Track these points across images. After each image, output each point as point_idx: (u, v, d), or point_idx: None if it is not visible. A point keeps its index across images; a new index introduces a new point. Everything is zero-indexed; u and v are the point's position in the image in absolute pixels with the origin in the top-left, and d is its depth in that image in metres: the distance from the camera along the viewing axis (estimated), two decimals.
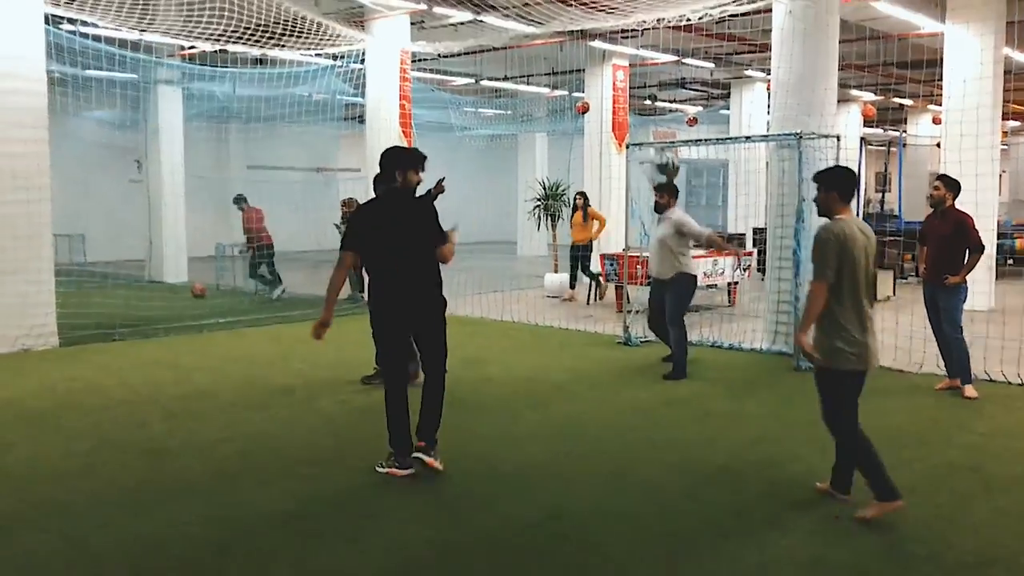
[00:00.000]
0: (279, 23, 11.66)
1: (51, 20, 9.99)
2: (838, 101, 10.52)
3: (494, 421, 6.83)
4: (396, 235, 5.28)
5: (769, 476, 5.46)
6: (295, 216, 19.37)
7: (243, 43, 12.11)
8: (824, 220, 4.91)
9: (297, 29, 11.68)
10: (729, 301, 13.60)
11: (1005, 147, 27.77)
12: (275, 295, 14.38)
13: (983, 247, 7.52)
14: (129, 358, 9.25)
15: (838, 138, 9.30)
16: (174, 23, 11.27)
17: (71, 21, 11.30)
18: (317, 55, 13.54)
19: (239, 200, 15.00)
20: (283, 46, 12.54)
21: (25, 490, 5.19)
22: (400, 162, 5.42)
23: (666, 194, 8.61)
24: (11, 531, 4.58)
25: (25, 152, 9.49)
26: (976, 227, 7.55)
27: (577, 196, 14.29)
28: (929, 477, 5.38)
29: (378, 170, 5.55)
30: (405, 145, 5.91)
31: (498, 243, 25.52)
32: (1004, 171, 27.57)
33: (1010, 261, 16.18)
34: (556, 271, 15.11)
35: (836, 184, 4.90)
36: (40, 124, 9.57)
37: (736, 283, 13.58)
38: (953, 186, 7.59)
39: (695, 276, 8.67)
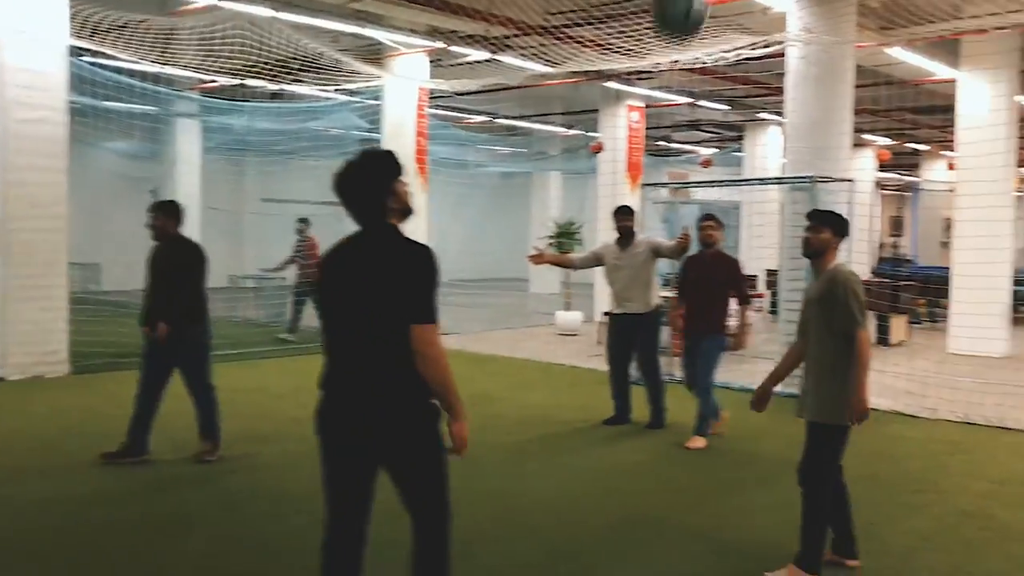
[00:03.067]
0: (296, 58, 11.82)
1: (74, 51, 10.15)
2: (853, 145, 10.56)
3: (502, 460, 6.79)
4: (351, 301, 3.24)
5: (781, 518, 5.39)
6: None
7: (261, 77, 12.26)
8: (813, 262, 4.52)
9: (314, 65, 11.83)
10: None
11: (1020, 194, 27.75)
12: (287, 336, 13.49)
13: (750, 298, 7.18)
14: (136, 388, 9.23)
15: (851, 182, 9.31)
16: (194, 57, 11.43)
17: (93, 53, 11.48)
18: (335, 91, 13.70)
19: (304, 222, 14.04)
20: (300, 81, 12.70)
21: (26, 517, 5.17)
22: (387, 175, 3.33)
23: (629, 218, 7.77)
24: (10, 560, 4.56)
25: (44, 181, 9.59)
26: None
27: None
28: (941, 524, 5.31)
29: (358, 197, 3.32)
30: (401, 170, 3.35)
31: (510, 280, 25.54)
32: (1020, 218, 27.50)
33: None
34: (568, 309, 15.10)
35: (837, 226, 4.49)
36: (60, 153, 9.69)
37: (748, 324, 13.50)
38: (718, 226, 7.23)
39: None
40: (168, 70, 12.72)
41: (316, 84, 12.78)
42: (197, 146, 17.14)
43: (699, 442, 7.16)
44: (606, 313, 11.44)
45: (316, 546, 3.36)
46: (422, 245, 3.25)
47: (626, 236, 7.77)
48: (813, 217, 4.58)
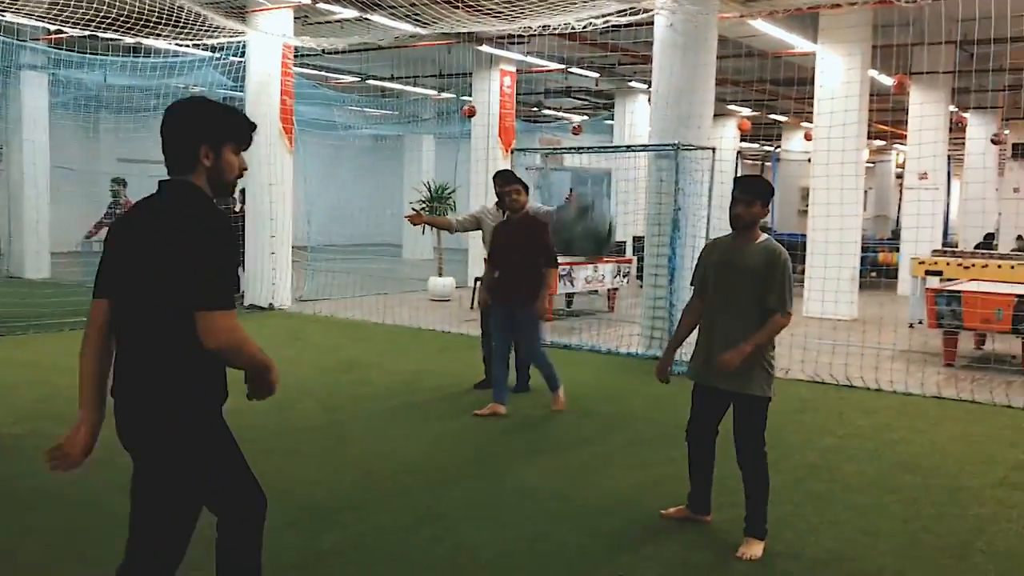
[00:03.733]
0: (154, 11, 11.22)
1: None
2: (716, 115, 10.85)
3: (370, 426, 6.73)
4: (132, 277, 2.70)
5: (639, 478, 5.55)
6: None
7: (115, 30, 11.58)
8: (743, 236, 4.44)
9: (174, 19, 11.25)
10: (609, 307, 13.82)
11: (871, 165, 29.26)
12: None
13: (555, 263, 6.97)
14: None
15: (714, 150, 9.58)
16: (38, 4, 10.69)
17: None
18: (195, 46, 13.10)
19: (119, 183, 13.21)
20: (159, 35, 12.07)
21: None
22: (207, 129, 2.77)
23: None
24: None
25: None
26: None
27: None
28: (790, 478, 5.57)
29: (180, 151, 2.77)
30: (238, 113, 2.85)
31: (382, 245, 25.25)
32: (870, 188, 29.04)
33: (873, 273, 17.02)
34: (441, 274, 15.06)
35: (760, 194, 4.40)
36: None
37: (616, 289, 13.82)
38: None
39: None
40: (11, 18, 11.85)
41: (176, 38, 12.18)
42: (45, 101, 16.08)
43: (561, 402, 7.14)
44: (478, 278, 11.49)
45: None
46: (210, 214, 2.67)
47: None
48: (744, 190, 4.41)
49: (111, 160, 20.81)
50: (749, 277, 4.37)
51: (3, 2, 10.38)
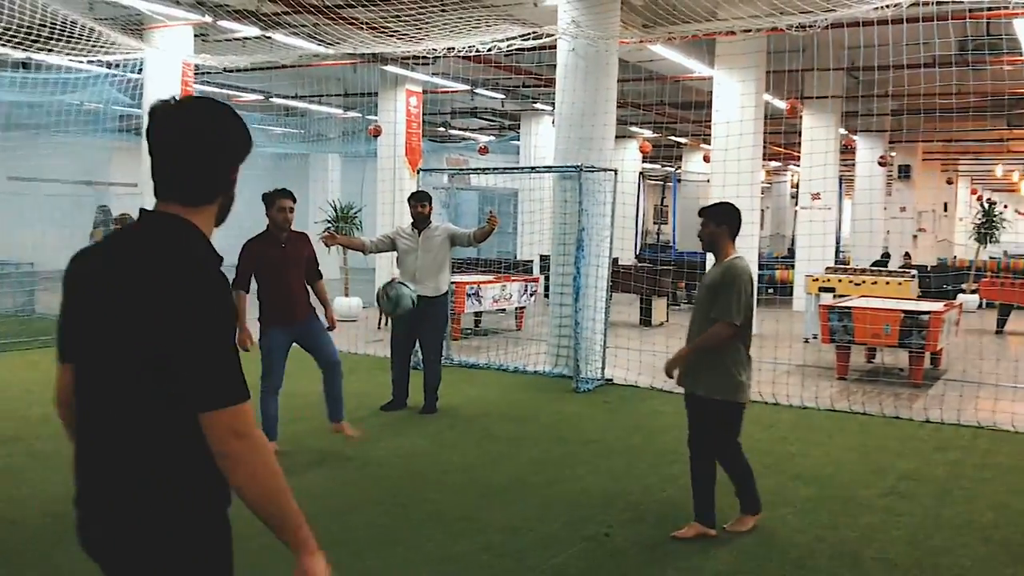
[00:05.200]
0: (46, 26, 10.84)
1: None
2: (617, 137, 11.08)
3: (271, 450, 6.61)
4: (101, 340, 1.97)
5: (547, 495, 5.60)
6: (60, 232, 17.98)
7: (3, 44, 11.15)
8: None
9: (67, 34, 10.90)
10: (516, 325, 13.91)
11: (768, 185, 30.25)
12: None
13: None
14: None
15: (616, 172, 9.78)
16: None
17: None
18: (90, 62, 12.70)
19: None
20: (50, 50, 11.66)
21: None
22: (242, 142, 2.10)
23: (428, 203, 7.81)
24: None
25: None
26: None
27: None
28: (688, 494, 5.68)
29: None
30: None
31: None
32: (767, 207, 30.03)
33: (771, 290, 17.56)
34: (347, 295, 14.90)
35: (727, 218, 4.82)
36: None
37: (523, 308, 13.93)
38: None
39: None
40: None
41: (68, 54, 11.78)
42: None
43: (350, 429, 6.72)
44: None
45: (62, 548, 3.13)
46: (215, 270, 1.95)
47: (421, 221, 7.81)
48: (702, 214, 4.95)
49: (1, 178, 19.99)
50: (706, 291, 4.82)
51: None
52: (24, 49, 11.55)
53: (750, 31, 10.13)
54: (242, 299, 6.29)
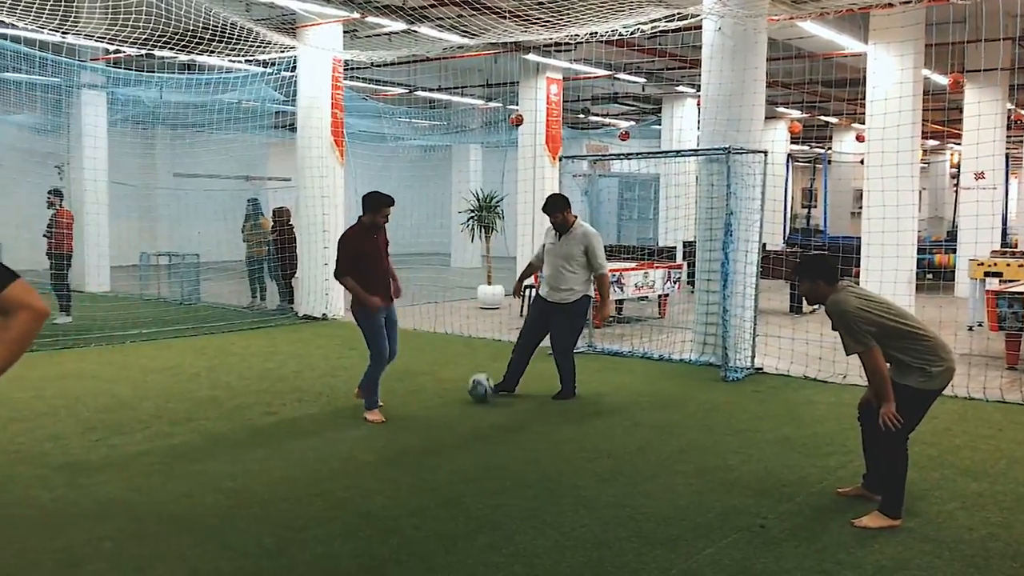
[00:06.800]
0: (208, 28, 11.45)
1: None
2: (766, 118, 10.75)
3: (422, 433, 6.78)
4: None
5: (697, 484, 5.51)
6: (221, 225, 19.01)
7: (170, 48, 11.85)
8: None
9: (227, 35, 11.48)
10: (659, 313, 13.75)
11: (925, 165, 28.72)
12: (57, 320, 11.94)
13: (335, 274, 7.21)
14: (46, 369, 8.93)
15: (765, 153, 9.50)
16: (98, 26, 10.97)
17: None
18: (247, 62, 13.34)
19: (55, 194, 12.58)
20: (212, 52, 12.31)
21: None
22: None
23: (560, 212, 7.82)
24: None
25: None
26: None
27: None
28: (851, 484, 5.47)
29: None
30: None
31: (431, 254, 25.41)
32: (924, 188, 28.50)
33: (929, 275, 16.67)
34: (490, 283, 15.11)
35: (818, 272, 4.94)
36: None
37: (666, 295, 13.74)
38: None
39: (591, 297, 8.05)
40: (71, 39, 12.19)
41: (228, 55, 12.41)
42: (103, 118, 16.50)
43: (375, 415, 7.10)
44: (527, 287, 11.52)
45: (235, 523, 3.29)
46: None
47: (559, 228, 7.85)
48: (797, 272, 5.09)
49: (167, 175, 21.30)
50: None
51: (64, 23, 10.65)
52: (189, 52, 12.25)
53: (909, 2, 9.61)
54: (351, 281, 7.01)
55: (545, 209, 7.93)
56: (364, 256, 7.08)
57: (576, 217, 7.96)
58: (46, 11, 10.03)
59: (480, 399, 7.74)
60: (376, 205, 7.12)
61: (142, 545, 4.45)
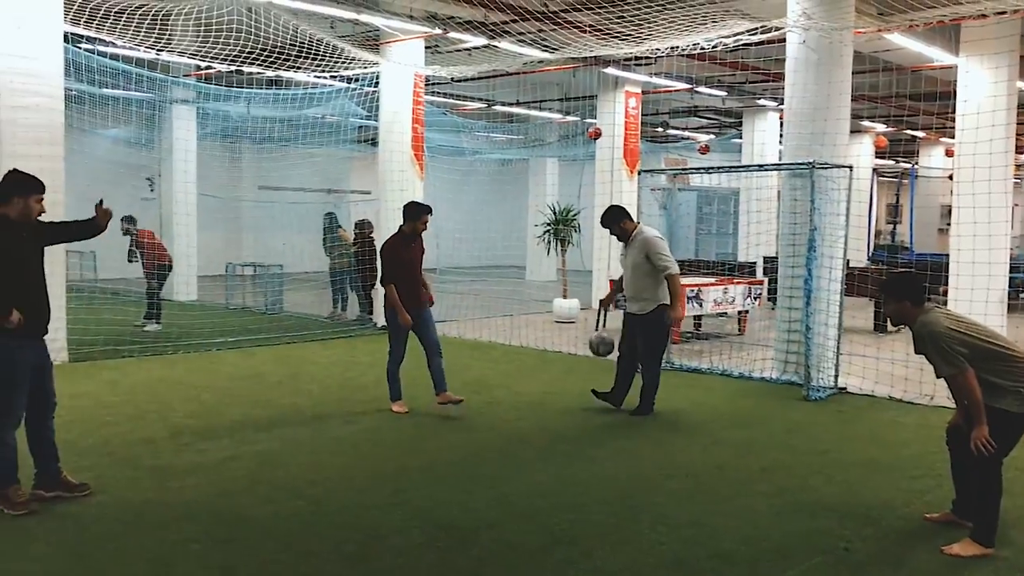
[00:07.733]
0: (294, 45, 11.76)
1: (69, 38, 10.08)
2: (851, 132, 10.53)
3: (499, 446, 6.80)
4: None
5: (778, 505, 5.40)
6: (304, 237, 19.44)
7: (258, 64, 12.21)
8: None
9: (312, 52, 11.77)
10: (739, 329, 13.54)
11: (1018, 180, 27.72)
12: (147, 327, 12.58)
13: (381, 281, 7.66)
14: (137, 375, 9.25)
15: (850, 168, 9.30)
16: (190, 44, 11.37)
17: (89, 40, 11.42)
18: (331, 77, 13.64)
19: (128, 220, 12.85)
20: (298, 68, 12.63)
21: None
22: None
23: (616, 223, 7.75)
24: (20, 543, 4.57)
25: (41, 168, 9.33)
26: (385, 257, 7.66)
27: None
28: (941, 510, 5.31)
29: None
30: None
31: (507, 267, 25.53)
32: (1017, 204, 27.48)
33: (1023, 295, 16.06)
34: (565, 296, 15.11)
35: (904, 292, 4.85)
36: (57, 141, 9.62)
37: (746, 311, 13.53)
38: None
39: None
40: (164, 56, 12.66)
41: (313, 70, 12.72)
42: (193, 132, 17.06)
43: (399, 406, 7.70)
44: (601, 301, 11.44)
45: (317, 529, 3.36)
46: None
47: (621, 237, 7.81)
48: (884, 291, 5.05)
49: (252, 188, 21.88)
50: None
51: (159, 41, 11.07)
52: (275, 68, 12.59)
53: (1004, 12, 9.31)
54: (394, 289, 7.45)
55: (602, 223, 7.93)
56: (402, 263, 7.55)
57: (637, 224, 7.88)
58: (143, 30, 10.44)
59: (605, 352, 8.35)
60: (416, 213, 7.62)
61: (228, 549, 4.57)
